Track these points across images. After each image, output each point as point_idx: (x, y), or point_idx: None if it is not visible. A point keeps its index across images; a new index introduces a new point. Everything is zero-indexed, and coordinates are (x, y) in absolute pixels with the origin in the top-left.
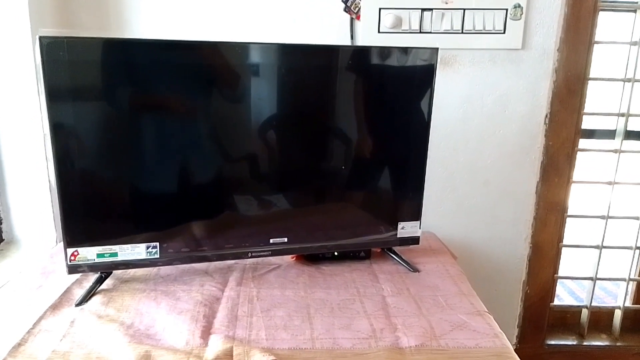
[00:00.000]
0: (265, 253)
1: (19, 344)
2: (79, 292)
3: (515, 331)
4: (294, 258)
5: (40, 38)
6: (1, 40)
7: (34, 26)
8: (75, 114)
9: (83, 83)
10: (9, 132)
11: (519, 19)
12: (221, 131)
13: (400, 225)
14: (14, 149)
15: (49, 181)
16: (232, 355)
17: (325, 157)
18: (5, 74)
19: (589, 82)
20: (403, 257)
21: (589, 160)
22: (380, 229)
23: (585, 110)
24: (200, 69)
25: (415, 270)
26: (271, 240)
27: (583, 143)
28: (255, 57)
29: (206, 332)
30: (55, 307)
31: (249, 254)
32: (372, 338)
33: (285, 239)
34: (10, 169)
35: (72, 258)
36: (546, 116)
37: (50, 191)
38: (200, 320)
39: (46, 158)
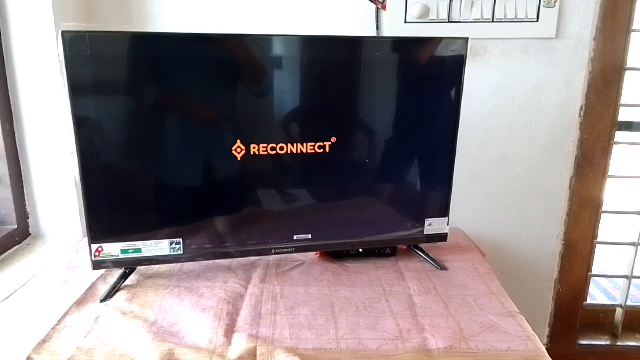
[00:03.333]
0: (288, 249)
1: (44, 340)
2: (103, 288)
3: (546, 330)
4: (318, 254)
5: (63, 33)
6: (26, 34)
7: (58, 20)
8: (98, 109)
9: (106, 77)
10: (34, 126)
11: (553, 7)
12: (244, 124)
13: (427, 221)
14: (39, 144)
15: (74, 176)
16: (255, 355)
17: (350, 149)
18: (30, 69)
19: (627, 72)
20: (430, 254)
21: (626, 154)
22: (406, 225)
23: (622, 102)
24: (223, 62)
25: (443, 268)
26: (295, 237)
27: (619, 136)
28: (279, 49)
29: (229, 331)
30: (80, 302)
31: (272, 250)
32: (399, 339)
33: (309, 235)
34: (36, 164)
35: (97, 254)
36: (581, 108)
37: (76, 186)
38: (224, 318)
39: (71, 153)
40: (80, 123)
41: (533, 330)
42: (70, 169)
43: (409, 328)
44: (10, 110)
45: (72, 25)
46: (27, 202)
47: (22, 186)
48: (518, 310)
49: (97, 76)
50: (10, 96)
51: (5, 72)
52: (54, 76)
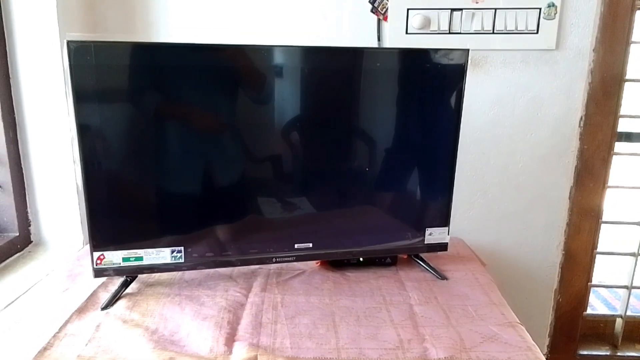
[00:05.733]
0: (289, 258)
1: (45, 349)
2: (104, 296)
3: (547, 341)
4: (319, 263)
5: (68, 42)
6: (30, 43)
7: (62, 30)
8: (101, 117)
9: (109, 86)
10: (37, 134)
11: (553, 19)
12: (246, 133)
13: (428, 231)
14: (42, 152)
15: (77, 184)
16: None
17: (350, 159)
18: (34, 77)
19: (626, 83)
20: (430, 264)
21: (626, 165)
22: (407, 235)
23: (622, 113)
24: (226, 72)
25: (444, 277)
26: (296, 246)
27: (619, 146)
28: (281, 59)
29: (230, 339)
30: (81, 310)
31: (274, 259)
32: (399, 349)
33: (310, 245)
34: (39, 171)
35: (98, 262)
36: (581, 119)
37: (78, 193)
38: (225, 327)
39: (74, 161)
40: (84, 131)
41: (533, 340)
42: (73, 177)
43: (410, 338)
44: (14, 118)
45: (77, 35)
46: (29, 210)
47: (25, 194)
48: (518, 321)
49: (102, 85)
50: (14, 104)
51: (9, 80)
52: (58, 85)
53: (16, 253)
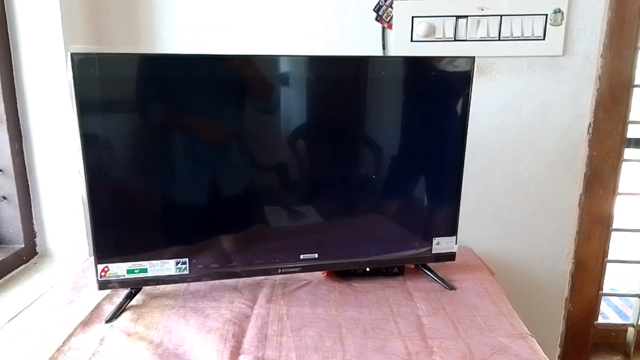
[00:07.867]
0: (295, 269)
1: None
2: (109, 308)
3: (557, 351)
4: (325, 274)
5: (72, 55)
6: (36, 55)
7: (67, 42)
8: (105, 129)
9: (114, 98)
10: (43, 146)
11: (560, 25)
12: (252, 142)
13: (435, 240)
14: (48, 163)
15: (82, 195)
16: None
17: (356, 167)
18: (40, 89)
19: (635, 89)
20: (438, 274)
21: (636, 171)
22: (414, 245)
23: (631, 119)
24: (230, 82)
25: (452, 287)
26: (301, 256)
27: (629, 153)
28: (287, 68)
29: (235, 353)
30: (85, 323)
31: (279, 270)
32: None
33: (316, 255)
34: (45, 183)
35: (103, 274)
36: (589, 125)
37: (83, 205)
38: (230, 340)
39: (79, 172)
40: (88, 143)
41: (544, 350)
42: (78, 189)
43: (418, 350)
44: (20, 130)
45: (82, 48)
46: (35, 222)
47: (30, 205)
48: (529, 332)
49: (106, 97)
50: (19, 116)
51: (15, 92)
52: (63, 97)
53: (22, 265)
